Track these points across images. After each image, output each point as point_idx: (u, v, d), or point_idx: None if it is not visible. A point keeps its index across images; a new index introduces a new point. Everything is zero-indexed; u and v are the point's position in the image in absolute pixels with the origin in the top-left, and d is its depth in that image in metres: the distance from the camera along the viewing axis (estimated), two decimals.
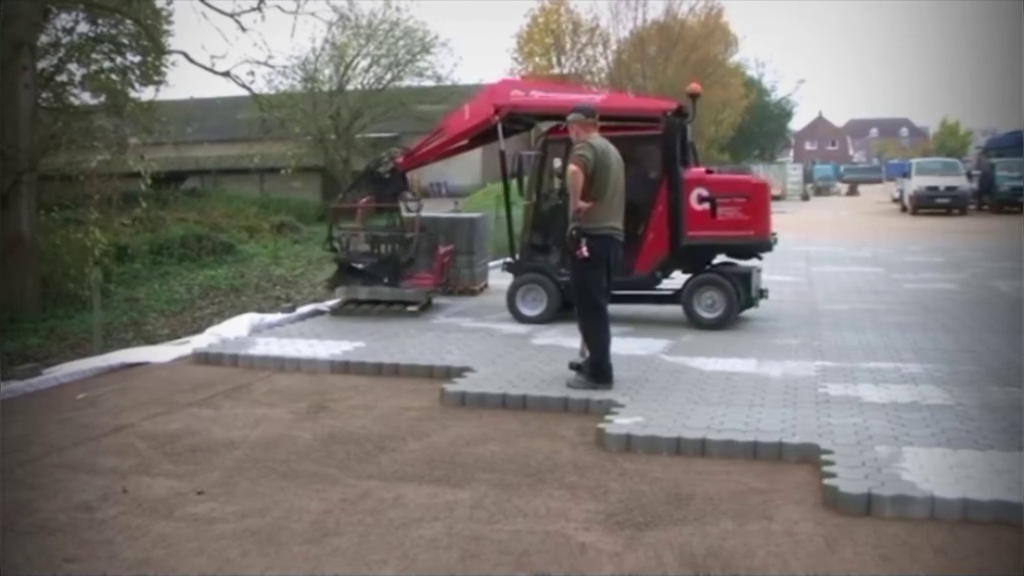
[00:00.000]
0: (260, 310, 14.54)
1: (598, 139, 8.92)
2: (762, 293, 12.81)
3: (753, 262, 12.82)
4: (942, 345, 10.92)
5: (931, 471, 6.34)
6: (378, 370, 10.05)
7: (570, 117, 9.25)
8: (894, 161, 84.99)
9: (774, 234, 12.62)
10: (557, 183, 12.46)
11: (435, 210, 16.52)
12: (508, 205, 13.68)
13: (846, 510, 5.91)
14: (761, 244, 12.52)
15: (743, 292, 12.31)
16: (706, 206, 12.20)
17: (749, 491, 6.32)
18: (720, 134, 58.68)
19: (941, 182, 41.31)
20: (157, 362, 10.74)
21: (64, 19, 20.89)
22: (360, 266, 13.76)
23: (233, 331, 11.98)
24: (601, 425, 7.55)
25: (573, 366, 9.08)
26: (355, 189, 14.85)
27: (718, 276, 12.37)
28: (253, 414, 8.49)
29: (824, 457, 6.67)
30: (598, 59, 59.48)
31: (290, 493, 6.39)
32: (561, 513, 5.97)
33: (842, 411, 7.94)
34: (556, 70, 58.90)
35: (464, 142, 14.24)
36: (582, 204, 8.60)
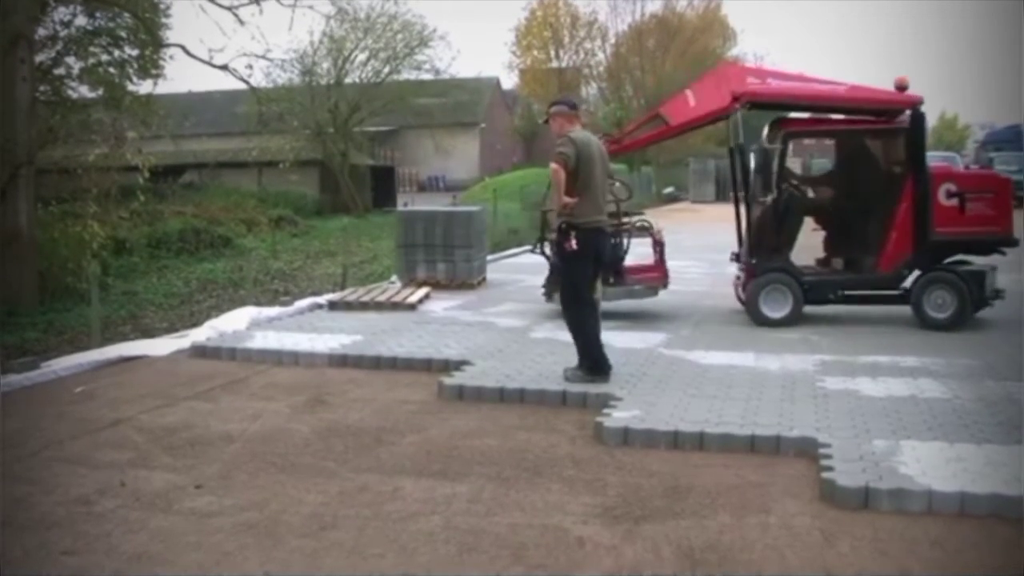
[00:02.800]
0: (258, 304, 14.53)
1: (580, 132, 8.92)
2: (997, 293, 12.28)
3: (988, 260, 12.43)
4: (940, 339, 10.94)
5: (928, 465, 6.34)
6: (376, 363, 10.05)
7: (553, 109, 9.21)
8: None
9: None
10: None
11: (433, 203, 16.39)
12: (743, 205, 12.79)
13: (843, 504, 5.91)
14: (1006, 240, 12.26)
15: (976, 291, 11.94)
16: (955, 202, 11.98)
17: (747, 485, 6.32)
18: (718, 127, 58.59)
19: None
20: (155, 355, 10.74)
21: (62, 12, 20.88)
22: None
23: (231, 325, 11.97)
24: (599, 419, 7.56)
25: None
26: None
27: (951, 275, 11.99)
28: (251, 407, 8.49)
29: (822, 451, 6.68)
30: (596, 53, 59.63)
31: (288, 486, 6.39)
32: (559, 507, 5.98)
33: (840, 405, 7.94)
34: (554, 63, 58.96)
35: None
36: (567, 200, 8.60)
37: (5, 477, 6.54)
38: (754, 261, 12.13)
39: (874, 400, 8.11)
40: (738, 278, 13.20)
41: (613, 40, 59.03)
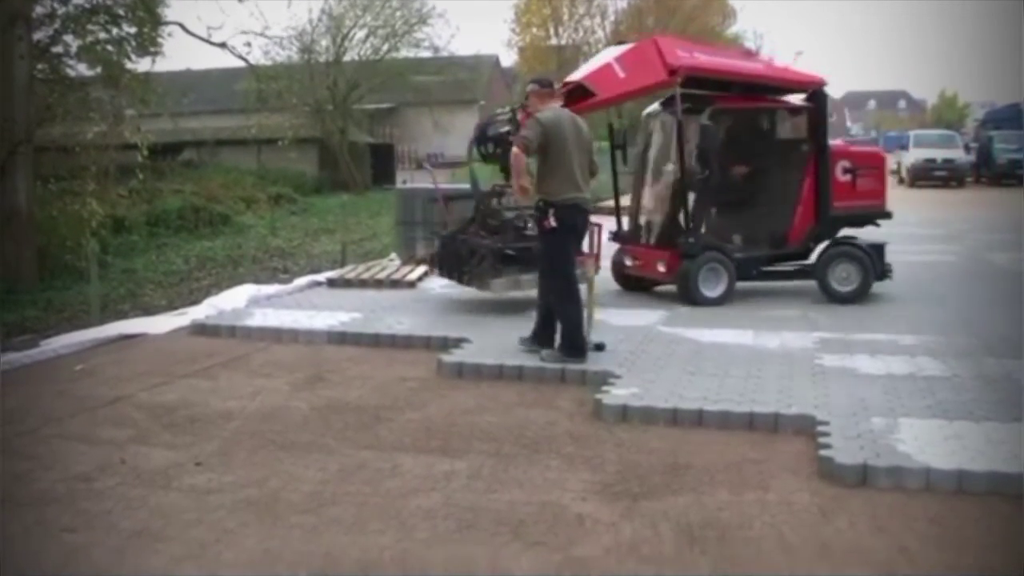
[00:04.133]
0: (257, 281, 14.51)
1: (548, 112, 8.84)
2: (887, 269, 12.64)
3: (879, 235, 12.93)
4: (938, 317, 10.94)
5: (926, 442, 6.36)
6: (375, 341, 10.05)
7: (528, 88, 9.27)
8: (892, 133, 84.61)
9: None
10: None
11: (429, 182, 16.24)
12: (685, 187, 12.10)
13: (842, 481, 5.93)
14: (885, 212, 12.96)
15: (878, 264, 12.36)
16: (849, 177, 12.46)
17: (745, 462, 6.34)
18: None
19: (939, 154, 41.18)
20: (154, 333, 10.74)
21: None
22: (512, 252, 11.32)
23: (230, 302, 11.99)
24: (598, 396, 7.58)
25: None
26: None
27: (854, 248, 12.34)
28: (251, 385, 8.50)
29: (820, 428, 6.70)
30: (596, 30, 59.32)
31: (287, 464, 6.41)
32: (558, 483, 5.99)
33: (838, 382, 7.96)
34: (553, 41, 58.75)
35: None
36: (524, 185, 8.63)
37: (5, 454, 6.56)
38: (691, 241, 11.83)
39: (873, 378, 8.12)
40: (629, 258, 12.96)
41: (612, 18, 58.76)
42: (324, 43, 41.10)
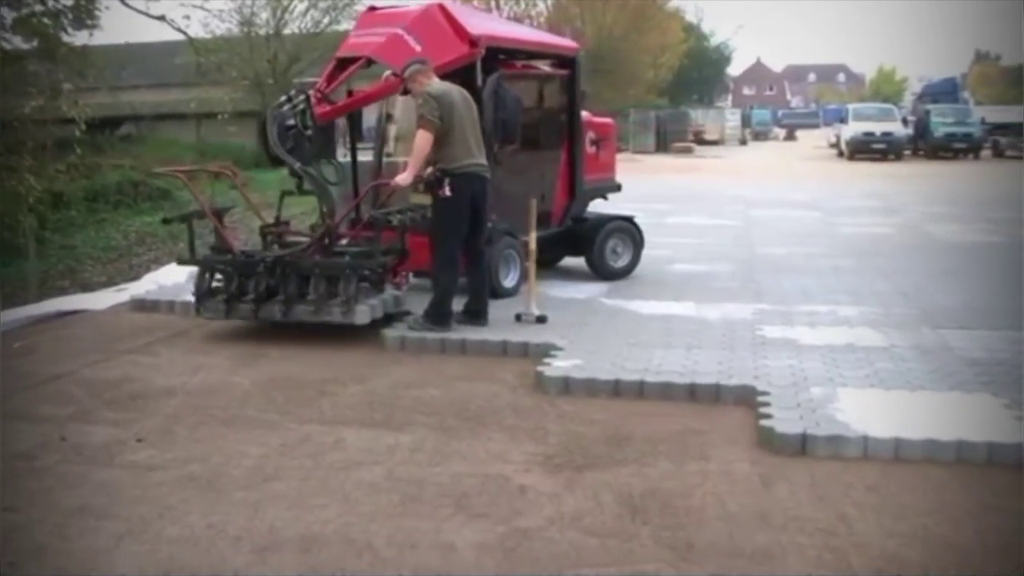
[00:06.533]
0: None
1: (437, 84, 8.80)
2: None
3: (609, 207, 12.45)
4: (877, 288, 11.07)
5: (865, 411, 6.45)
6: None
7: (408, 72, 8.86)
8: (831, 106, 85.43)
9: None
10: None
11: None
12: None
13: (782, 450, 6.00)
14: (618, 185, 12.62)
15: (641, 238, 11.97)
16: (594, 149, 12.00)
17: (687, 432, 6.39)
18: (659, 79, 58.58)
19: (877, 128, 41.61)
20: (94, 310, 10.66)
21: None
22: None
23: (171, 278, 11.90)
24: (540, 368, 7.59)
25: (519, 316, 9.16)
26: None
27: (625, 223, 11.90)
28: (192, 360, 8.45)
29: (760, 398, 6.76)
30: (537, 3, 59.19)
31: (230, 439, 6.39)
32: (500, 455, 6.02)
33: (779, 353, 8.04)
34: (494, 13, 58.54)
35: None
36: (412, 176, 8.60)
37: None
38: (490, 225, 9.80)
39: (812, 348, 8.21)
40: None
41: None
42: (264, 16, 40.70)
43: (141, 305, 10.67)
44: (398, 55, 9.57)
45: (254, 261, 9.16)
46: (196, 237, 10.01)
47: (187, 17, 48.25)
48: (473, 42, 10.01)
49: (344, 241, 9.64)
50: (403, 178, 8.65)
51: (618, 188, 12.65)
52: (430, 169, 8.68)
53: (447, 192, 8.59)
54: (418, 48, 9.62)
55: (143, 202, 22.97)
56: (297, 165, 9.38)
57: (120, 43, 33.91)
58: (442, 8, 10.19)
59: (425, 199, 8.91)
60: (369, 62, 10.06)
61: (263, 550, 4.76)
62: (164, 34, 28.69)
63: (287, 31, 40.93)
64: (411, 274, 10.20)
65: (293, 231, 10.44)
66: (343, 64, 10.09)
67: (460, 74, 9.75)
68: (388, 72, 9.77)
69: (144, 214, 21.70)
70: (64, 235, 18.40)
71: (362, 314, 8.83)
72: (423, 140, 8.49)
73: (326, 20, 41.75)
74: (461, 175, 8.64)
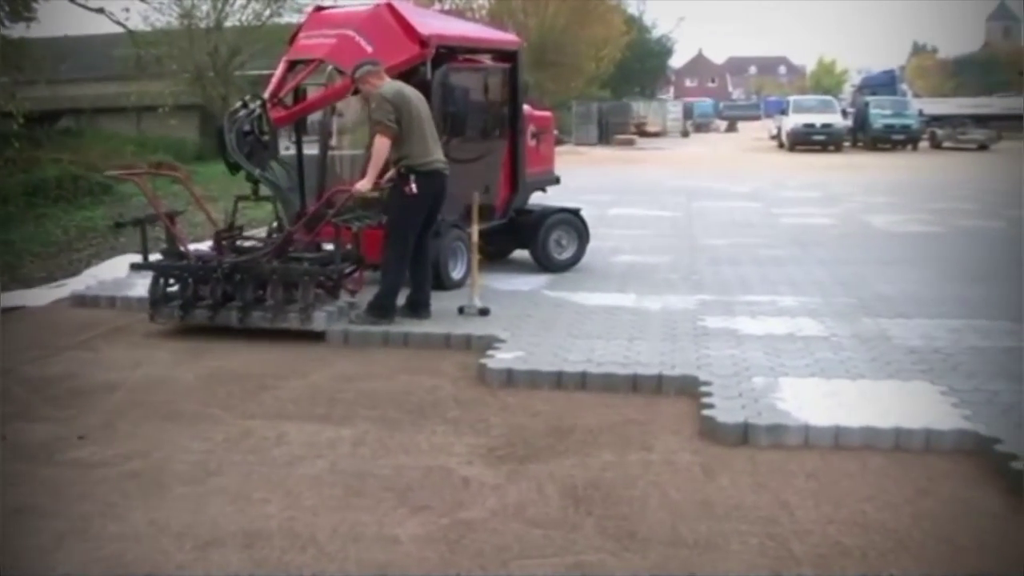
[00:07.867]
0: (139, 251, 14.27)
1: (388, 85, 8.75)
2: None
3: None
4: (817, 278, 11.15)
5: (805, 400, 6.51)
6: None
7: (361, 71, 8.78)
8: (772, 98, 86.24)
9: None
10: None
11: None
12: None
13: (723, 440, 6.04)
14: (556, 178, 12.67)
15: (587, 231, 12.05)
16: (535, 142, 12.04)
17: (629, 423, 6.42)
18: (601, 71, 58.63)
19: (817, 119, 42.03)
20: (34, 306, 10.54)
21: None
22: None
23: (111, 273, 11.79)
24: (482, 360, 7.60)
25: (461, 309, 9.13)
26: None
27: (570, 215, 11.95)
28: (133, 355, 8.38)
29: (702, 389, 6.81)
30: None
31: (172, 434, 6.34)
32: (443, 448, 6.02)
33: (720, 343, 8.09)
34: (436, 6, 58.43)
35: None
36: (371, 182, 8.59)
37: None
38: (440, 218, 9.59)
39: (753, 338, 8.27)
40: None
41: None
42: (204, 8, 40.37)
43: (82, 300, 10.57)
44: (350, 57, 9.49)
45: (211, 267, 9.08)
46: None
47: (126, 10, 47.88)
48: (423, 42, 9.99)
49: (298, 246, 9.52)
50: (363, 184, 8.64)
51: (557, 181, 12.69)
52: (391, 172, 8.68)
53: (413, 189, 8.58)
54: (370, 49, 9.59)
55: (83, 197, 22.66)
56: (257, 172, 9.41)
57: (59, 36, 33.51)
58: (391, 8, 10.16)
59: (373, 193, 8.86)
60: (320, 64, 10.11)
61: (206, 546, 4.73)
62: (103, 27, 28.35)
63: (228, 23, 40.57)
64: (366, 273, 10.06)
65: (247, 236, 10.41)
66: (293, 66, 10.14)
67: (409, 73, 9.73)
68: (330, 67, 9.75)
69: (84, 209, 21.44)
70: (2, 230, 18.13)
71: (320, 320, 8.78)
72: (381, 146, 8.47)
73: (267, 13, 41.44)
74: (426, 173, 8.65)
